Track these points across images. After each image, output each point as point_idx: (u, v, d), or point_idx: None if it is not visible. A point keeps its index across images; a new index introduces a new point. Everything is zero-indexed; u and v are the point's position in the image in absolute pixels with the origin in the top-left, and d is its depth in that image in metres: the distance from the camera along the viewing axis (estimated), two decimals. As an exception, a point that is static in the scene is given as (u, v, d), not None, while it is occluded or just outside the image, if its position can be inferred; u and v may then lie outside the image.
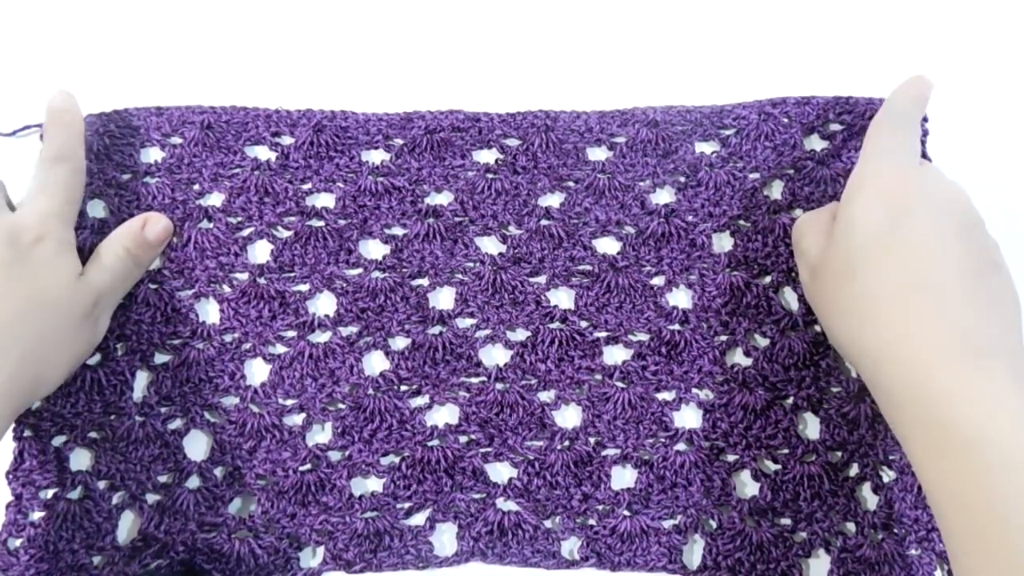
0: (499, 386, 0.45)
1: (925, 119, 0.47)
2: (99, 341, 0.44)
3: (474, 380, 0.45)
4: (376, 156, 0.48)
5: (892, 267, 0.37)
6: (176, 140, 0.47)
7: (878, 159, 0.40)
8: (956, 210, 0.38)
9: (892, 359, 0.36)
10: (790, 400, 0.45)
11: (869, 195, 0.39)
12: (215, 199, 0.47)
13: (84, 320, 0.42)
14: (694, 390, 0.45)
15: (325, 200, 0.47)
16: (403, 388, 0.45)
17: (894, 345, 0.36)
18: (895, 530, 0.43)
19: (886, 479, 0.44)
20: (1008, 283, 0.38)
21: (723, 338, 0.46)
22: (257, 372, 0.45)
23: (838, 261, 0.39)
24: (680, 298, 0.46)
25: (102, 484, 0.43)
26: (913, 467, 0.36)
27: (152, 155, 0.48)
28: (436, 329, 0.46)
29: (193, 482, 0.44)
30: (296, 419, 0.45)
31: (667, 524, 0.44)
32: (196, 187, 0.47)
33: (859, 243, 0.38)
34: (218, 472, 0.44)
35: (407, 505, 0.44)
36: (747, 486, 0.45)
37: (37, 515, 0.43)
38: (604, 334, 0.46)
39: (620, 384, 0.45)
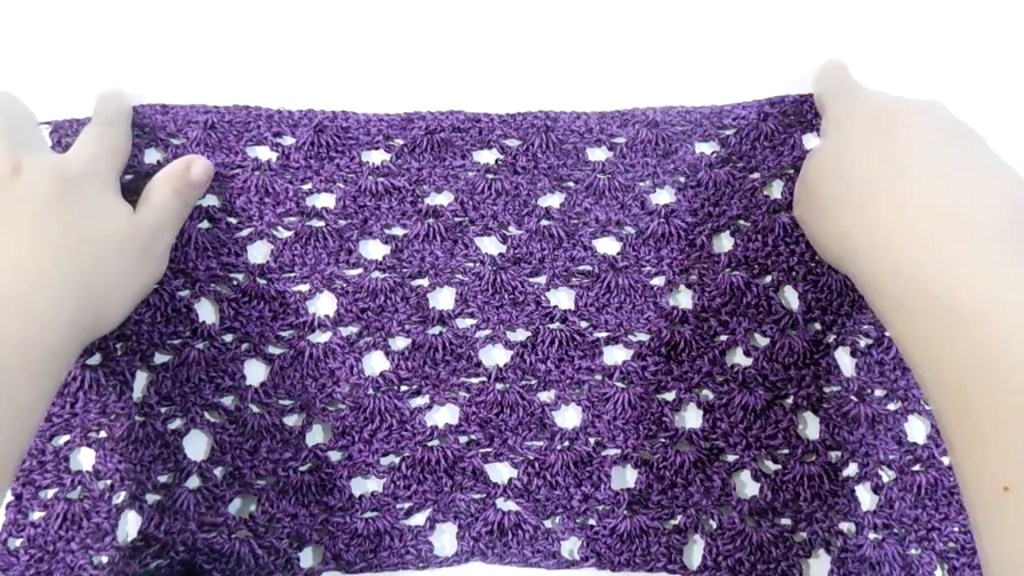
0: (499, 386, 0.45)
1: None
2: (160, 277, 0.44)
3: (474, 380, 0.45)
4: (376, 156, 0.48)
5: (878, 158, 0.38)
6: (178, 141, 0.48)
7: (847, 93, 0.44)
8: (937, 108, 0.40)
9: (879, 246, 0.37)
10: (790, 400, 0.45)
11: (853, 110, 0.41)
12: (216, 199, 0.47)
13: (141, 258, 0.42)
14: (694, 390, 0.45)
15: (325, 200, 0.47)
16: (403, 388, 0.45)
17: (881, 231, 0.37)
18: (895, 530, 0.43)
19: (886, 479, 0.44)
20: (1003, 169, 0.39)
21: (723, 338, 0.46)
22: (257, 372, 0.46)
23: (825, 164, 0.41)
24: (680, 298, 0.46)
25: (102, 484, 0.43)
26: (903, 353, 0.36)
27: (154, 156, 0.48)
28: (436, 329, 0.46)
29: (193, 482, 0.44)
30: (296, 419, 0.45)
31: (667, 524, 0.44)
32: (197, 188, 0.47)
33: (846, 145, 0.40)
34: (218, 472, 0.44)
35: (407, 505, 0.44)
36: (747, 486, 0.45)
37: (37, 515, 0.43)
38: (604, 334, 0.46)
39: (620, 384, 0.45)
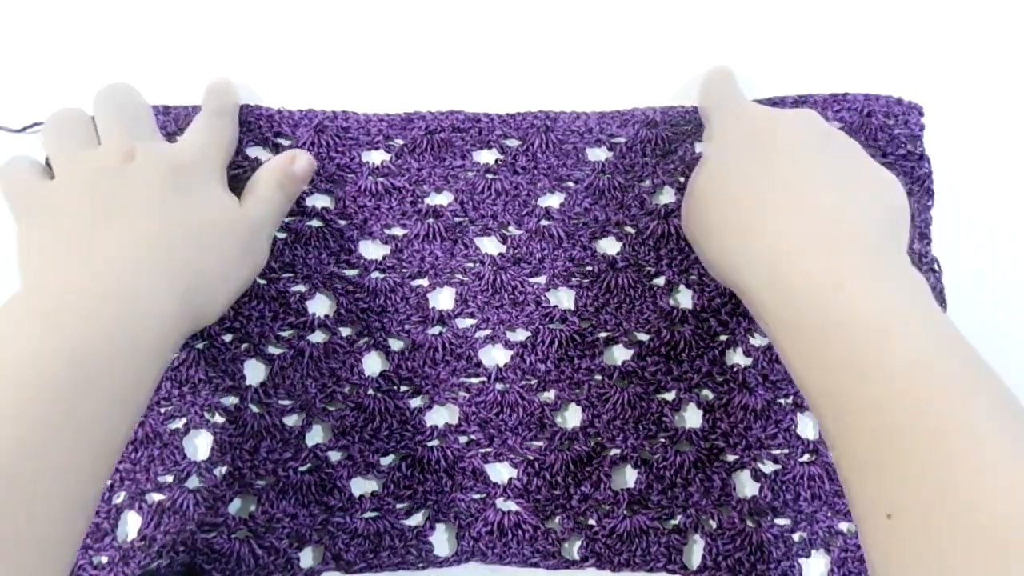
0: (499, 386, 0.45)
1: (921, 113, 0.47)
2: (258, 273, 0.44)
3: (474, 380, 0.45)
4: (376, 157, 0.48)
5: (757, 173, 0.38)
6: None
7: (729, 105, 0.43)
8: (811, 118, 0.41)
9: (762, 261, 0.37)
10: (790, 400, 0.45)
11: (731, 124, 0.41)
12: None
13: (244, 251, 0.42)
14: (694, 390, 0.45)
15: (325, 201, 0.47)
16: (403, 388, 0.45)
17: (763, 246, 0.37)
18: (895, 530, 0.43)
19: (886, 479, 0.44)
20: (878, 175, 0.39)
21: (723, 338, 0.45)
22: (257, 372, 0.46)
23: (706, 181, 0.41)
24: (680, 298, 0.46)
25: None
26: (789, 370, 0.36)
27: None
28: (436, 329, 0.46)
29: (193, 482, 0.44)
30: (296, 419, 0.45)
31: (667, 524, 0.44)
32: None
33: (724, 160, 0.40)
34: (218, 472, 0.44)
35: (407, 505, 0.44)
36: (747, 486, 0.45)
37: (37, 515, 0.43)
38: (604, 334, 0.46)
39: (620, 384, 0.45)
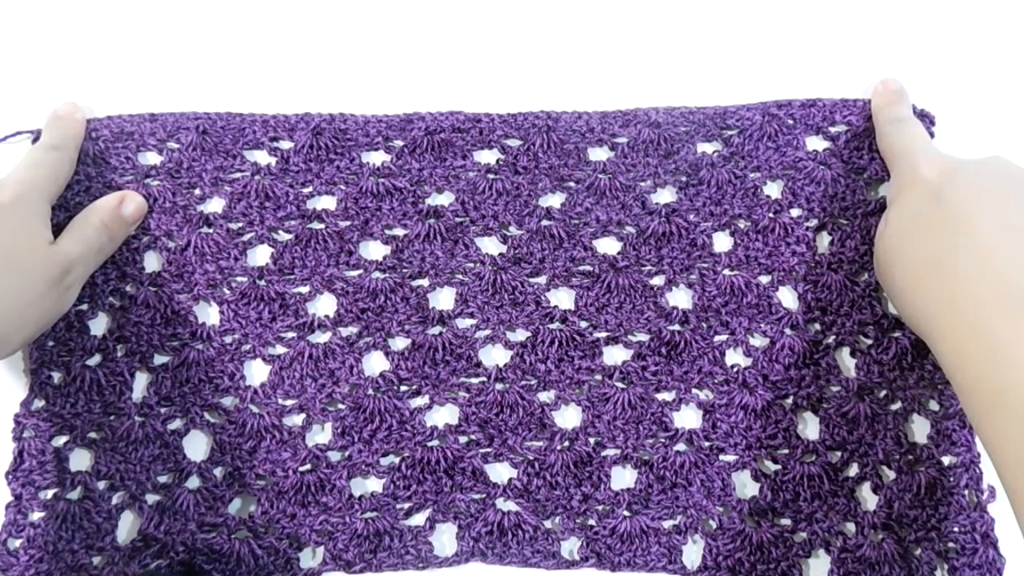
0: (499, 386, 0.45)
1: (932, 122, 0.47)
2: (66, 310, 0.44)
3: (474, 380, 0.45)
4: (376, 158, 0.48)
5: (938, 234, 0.38)
6: (173, 145, 0.47)
7: (905, 163, 0.43)
8: (994, 166, 0.40)
9: (939, 325, 0.37)
10: (790, 400, 0.45)
11: (913, 176, 0.41)
12: (216, 204, 0.47)
13: (51, 287, 0.41)
14: (694, 390, 0.45)
15: (326, 203, 0.47)
16: (403, 388, 0.45)
17: (941, 311, 0.37)
18: (895, 530, 0.43)
19: (886, 479, 0.44)
20: None
21: (723, 338, 0.46)
22: (257, 373, 0.45)
23: (891, 242, 0.41)
24: (680, 298, 0.46)
25: (102, 484, 0.43)
26: (982, 440, 0.35)
27: (151, 159, 0.48)
28: (436, 329, 0.46)
29: (193, 482, 0.44)
30: (296, 419, 0.45)
31: (667, 524, 0.44)
32: (197, 191, 0.47)
33: (906, 222, 0.40)
34: (218, 472, 0.44)
35: (407, 505, 0.44)
36: (747, 486, 0.45)
37: (37, 515, 0.43)
38: (604, 334, 0.46)
39: (620, 384, 0.45)
